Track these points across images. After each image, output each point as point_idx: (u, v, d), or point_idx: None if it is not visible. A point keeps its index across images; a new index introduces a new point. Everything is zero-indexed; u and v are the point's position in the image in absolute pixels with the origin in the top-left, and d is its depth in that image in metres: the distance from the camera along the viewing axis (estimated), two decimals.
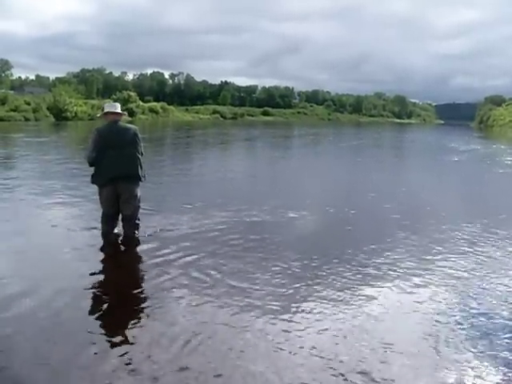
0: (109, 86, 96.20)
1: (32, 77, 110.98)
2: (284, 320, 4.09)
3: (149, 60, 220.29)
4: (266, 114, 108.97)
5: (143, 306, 4.42)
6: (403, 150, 30.82)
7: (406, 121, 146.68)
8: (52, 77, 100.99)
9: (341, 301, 4.55)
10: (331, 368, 3.36)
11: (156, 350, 3.53)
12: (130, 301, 4.62)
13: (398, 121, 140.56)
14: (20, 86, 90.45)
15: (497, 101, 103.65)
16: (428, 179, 14.77)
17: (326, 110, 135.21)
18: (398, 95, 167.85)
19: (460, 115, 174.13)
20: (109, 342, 3.73)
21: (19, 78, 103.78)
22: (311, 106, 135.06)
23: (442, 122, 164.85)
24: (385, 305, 4.51)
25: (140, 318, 4.15)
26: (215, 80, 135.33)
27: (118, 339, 3.76)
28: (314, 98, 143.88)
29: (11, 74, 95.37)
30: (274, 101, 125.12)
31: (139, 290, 4.88)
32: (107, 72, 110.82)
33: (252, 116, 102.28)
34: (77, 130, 37.57)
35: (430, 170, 17.93)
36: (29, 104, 53.62)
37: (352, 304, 4.49)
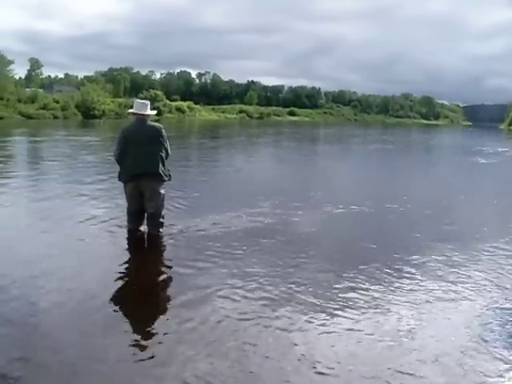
0: (136, 85, 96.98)
1: (61, 75, 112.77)
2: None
3: (178, 59, 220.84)
4: (292, 113, 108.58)
5: (167, 305, 4.31)
6: (448, 151, 30.45)
7: (433, 122, 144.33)
8: (81, 75, 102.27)
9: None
10: None
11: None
12: (154, 300, 4.53)
13: (425, 122, 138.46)
14: (50, 84, 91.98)
15: None
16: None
17: (352, 111, 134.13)
18: (425, 96, 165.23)
19: (489, 117, 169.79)
20: (133, 336, 3.67)
21: (49, 76, 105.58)
22: (338, 107, 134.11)
23: (470, 123, 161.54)
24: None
25: (163, 317, 4.05)
26: (242, 79, 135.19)
27: (141, 336, 3.70)
28: (341, 98, 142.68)
29: (41, 73, 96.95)
30: (300, 101, 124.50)
31: (162, 289, 4.78)
32: (134, 71, 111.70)
33: (278, 116, 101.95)
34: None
35: (481, 172, 17.48)
36: (57, 102, 54.53)
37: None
